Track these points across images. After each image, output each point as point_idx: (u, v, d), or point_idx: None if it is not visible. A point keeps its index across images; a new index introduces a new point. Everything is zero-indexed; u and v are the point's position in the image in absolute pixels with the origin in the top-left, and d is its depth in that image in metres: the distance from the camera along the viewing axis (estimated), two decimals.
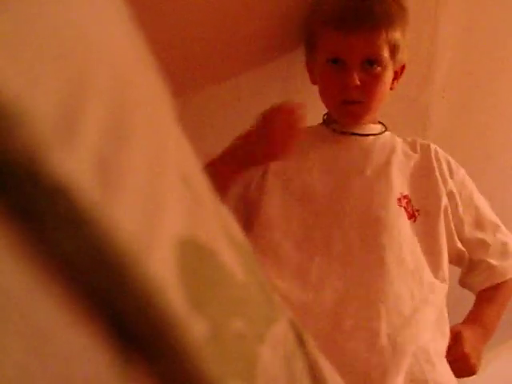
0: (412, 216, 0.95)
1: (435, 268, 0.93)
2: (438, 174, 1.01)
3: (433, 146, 1.05)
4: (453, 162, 1.05)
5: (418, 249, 0.93)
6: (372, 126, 1.04)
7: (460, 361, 0.93)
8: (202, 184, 0.25)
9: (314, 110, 1.14)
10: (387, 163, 0.98)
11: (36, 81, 0.15)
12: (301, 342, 0.31)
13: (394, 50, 0.96)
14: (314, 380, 0.31)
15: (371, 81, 0.95)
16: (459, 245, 1.01)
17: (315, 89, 1.06)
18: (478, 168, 1.11)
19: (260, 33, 1.07)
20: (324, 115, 1.08)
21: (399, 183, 0.97)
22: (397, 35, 0.96)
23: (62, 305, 0.16)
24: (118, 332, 0.18)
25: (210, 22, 0.98)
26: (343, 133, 1.02)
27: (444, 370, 0.87)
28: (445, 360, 0.89)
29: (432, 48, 1.13)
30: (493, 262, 1.01)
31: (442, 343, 0.90)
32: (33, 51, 0.15)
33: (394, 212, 0.93)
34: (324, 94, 1.02)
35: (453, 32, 1.18)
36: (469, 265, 1.03)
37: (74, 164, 0.16)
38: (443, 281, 0.94)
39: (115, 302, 0.17)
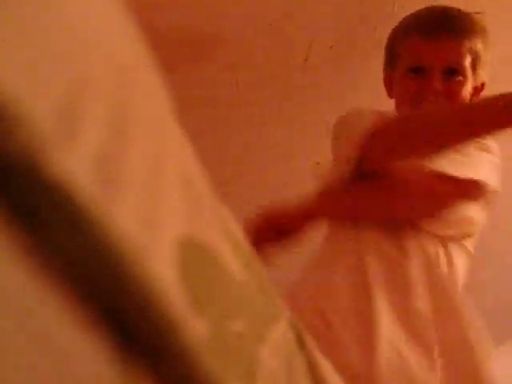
0: None
1: None
2: None
3: None
4: None
5: None
6: None
7: None
8: (202, 184, 0.25)
9: (314, 110, 1.14)
10: None
11: (36, 81, 0.15)
12: (301, 341, 0.31)
13: (475, 60, 0.96)
14: (313, 380, 0.31)
15: (453, 88, 0.95)
16: None
17: (315, 88, 1.06)
18: None
19: (262, 29, 1.07)
20: None
21: None
22: (479, 46, 0.96)
23: (62, 304, 0.16)
24: (118, 332, 0.18)
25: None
26: None
27: None
28: None
29: None
30: None
31: None
32: (33, 51, 0.15)
33: None
34: (401, 103, 1.01)
35: None
36: None
37: (74, 164, 0.16)
38: None
39: (116, 302, 0.17)
